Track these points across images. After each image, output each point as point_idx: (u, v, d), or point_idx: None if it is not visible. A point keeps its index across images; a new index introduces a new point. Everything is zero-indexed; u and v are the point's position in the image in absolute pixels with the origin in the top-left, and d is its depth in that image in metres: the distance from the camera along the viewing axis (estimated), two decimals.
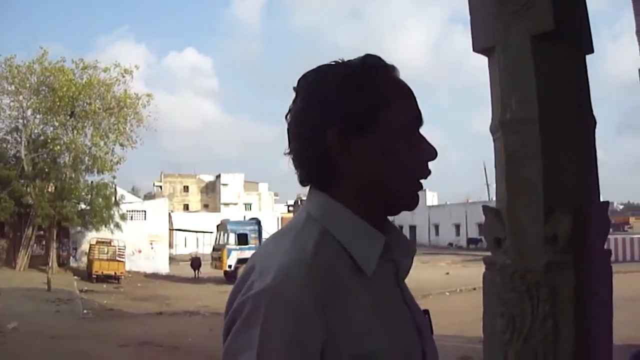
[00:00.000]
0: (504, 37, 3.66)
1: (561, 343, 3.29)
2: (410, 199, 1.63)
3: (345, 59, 1.66)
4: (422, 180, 1.64)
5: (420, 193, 1.66)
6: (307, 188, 1.66)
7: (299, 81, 1.67)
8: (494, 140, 3.82)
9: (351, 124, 1.56)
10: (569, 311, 3.29)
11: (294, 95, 1.64)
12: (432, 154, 1.63)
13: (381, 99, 1.58)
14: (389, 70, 1.65)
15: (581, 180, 3.52)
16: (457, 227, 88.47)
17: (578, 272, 3.31)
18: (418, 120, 1.65)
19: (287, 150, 1.66)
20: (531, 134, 3.53)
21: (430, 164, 1.64)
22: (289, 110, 1.66)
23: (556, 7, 3.47)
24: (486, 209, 3.82)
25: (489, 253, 3.71)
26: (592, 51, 3.77)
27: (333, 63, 1.65)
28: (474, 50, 3.88)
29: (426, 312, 1.76)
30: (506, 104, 3.64)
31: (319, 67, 1.65)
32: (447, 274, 38.52)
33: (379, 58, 1.66)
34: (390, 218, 1.69)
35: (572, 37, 3.60)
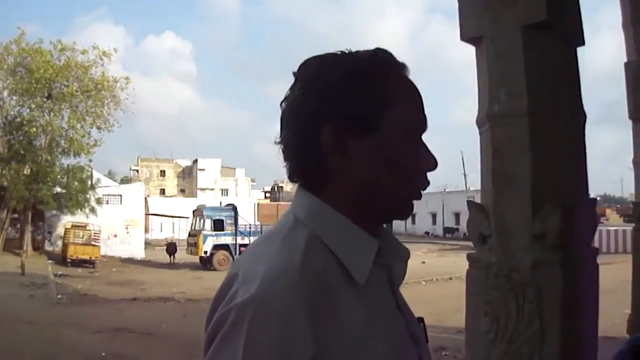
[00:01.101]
0: (493, 27, 3.56)
1: (547, 344, 3.21)
2: (404, 210, 1.52)
3: (353, 50, 1.53)
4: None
5: None
6: (286, 175, 1.55)
7: (299, 67, 1.53)
8: (480, 134, 3.73)
9: (351, 122, 1.43)
10: (555, 312, 3.21)
11: (292, 81, 1.52)
12: (432, 164, 1.52)
13: (387, 98, 1.45)
14: (399, 68, 1.53)
15: (570, 175, 3.44)
16: (434, 216, 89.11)
17: (566, 271, 3.23)
18: (422, 125, 1.53)
19: (278, 139, 1.53)
20: (520, 128, 3.43)
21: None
22: (285, 97, 1.52)
23: None
24: (470, 204, 3.72)
25: (465, 242, 3.63)
26: (583, 43, 3.68)
27: (339, 53, 1.52)
28: (461, 39, 3.78)
29: (421, 320, 1.66)
30: (494, 96, 3.55)
31: (324, 55, 1.52)
32: (424, 263, 38.63)
33: (390, 54, 1.53)
34: None
35: (564, 28, 3.51)
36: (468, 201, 3.77)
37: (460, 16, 3.77)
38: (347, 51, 1.53)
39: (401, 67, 1.54)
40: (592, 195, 3.84)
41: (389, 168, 1.45)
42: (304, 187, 1.51)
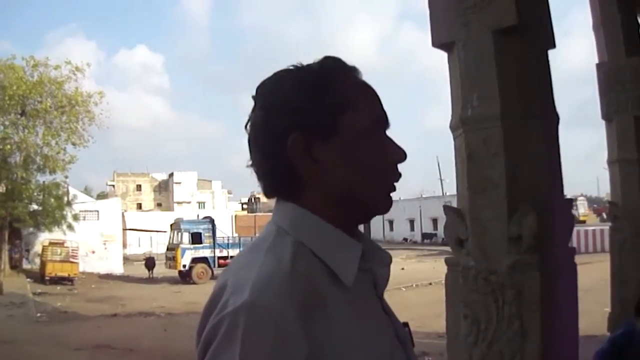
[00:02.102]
0: (464, 32, 3.60)
1: (528, 345, 3.23)
2: (382, 204, 1.54)
3: (303, 63, 1.57)
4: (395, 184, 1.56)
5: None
6: (262, 186, 1.56)
7: (257, 89, 1.57)
8: (454, 138, 3.76)
9: (312, 129, 1.46)
10: (535, 312, 3.24)
11: (251, 102, 1.54)
12: (401, 155, 1.55)
13: (342, 102, 1.49)
14: (350, 72, 1.57)
15: (545, 177, 3.47)
16: (412, 222, 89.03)
17: (544, 272, 3.26)
18: (383, 122, 1.56)
19: (249, 162, 1.55)
20: (493, 131, 3.47)
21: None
22: (248, 120, 1.55)
23: (518, 2, 3.41)
24: (447, 208, 3.75)
25: (444, 248, 3.66)
26: (554, 46, 3.72)
27: (291, 68, 1.56)
28: (433, 45, 3.81)
29: (406, 324, 1.68)
30: (467, 101, 3.58)
31: (276, 72, 1.56)
32: (403, 269, 38.59)
33: (339, 60, 1.57)
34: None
35: (534, 32, 3.55)
36: (444, 206, 3.79)
37: (431, 22, 3.80)
38: (298, 65, 1.57)
39: (352, 71, 1.58)
40: (568, 196, 3.88)
41: (357, 166, 1.48)
42: (283, 198, 1.53)
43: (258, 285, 1.30)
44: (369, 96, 1.56)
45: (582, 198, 79.11)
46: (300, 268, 1.35)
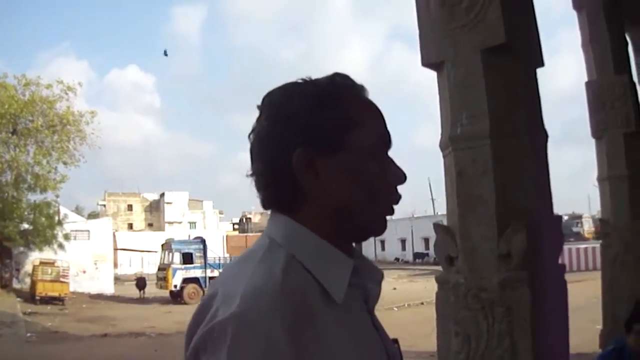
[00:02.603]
0: (453, 52, 3.62)
1: None
2: (378, 225, 1.55)
3: (312, 77, 1.58)
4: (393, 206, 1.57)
5: None
6: (253, 206, 1.58)
7: (263, 99, 1.57)
8: (443, 157, 3.78)
9: (318, 145, 1.47)
10: (525, 329, 3.24)
11: (257, 113, 1.55)
12: (401, 177, 1.56)
13: (349, 119, 1.50)
14: (358, 90, 1.58)
15: (534, 194, 3.49)
16: (403, 242, 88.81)
17: (533, 288, 3.27)
18: (386, 142, 1.57)
19: (250, 172, 1.56)
20: (482, 150, 3.49)
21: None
22: (252, 130, 1.56)
23: (507, 21, 3.44)
24: (437, 226, 3.77)
25: (435, 267, 3.67)
26: (542, 65, 3.75)
27: (300, 81, 1.57)
28: (422, 64, 3.84)
29: (395, 341, 1.68)
30: (456, 119, 3.60)
31: (285, 84, 1.57)
32: (394, 289, 38.55)
33: (348, 77, 1.59)
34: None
35: (523, 50, 3.58)
36: (434, 224, 3.81)
37: (420, 42, 3.82)
38: (307, 79, 1.58)
39: (359, 89, 1.59)
40: (559, 214, 3.89)
41: (358, 185, 1.49)
42: (279, 211, 1.54)
43: (247, 296, 1.31)
44: (375, 115, 1.57)
45: (587, 216, 78.96)
46: (291, 281, 1.35)
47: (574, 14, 8.28)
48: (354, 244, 1.60)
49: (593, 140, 7.94)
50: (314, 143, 1.48)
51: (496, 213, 3.40)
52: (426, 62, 3.82)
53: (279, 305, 1.29)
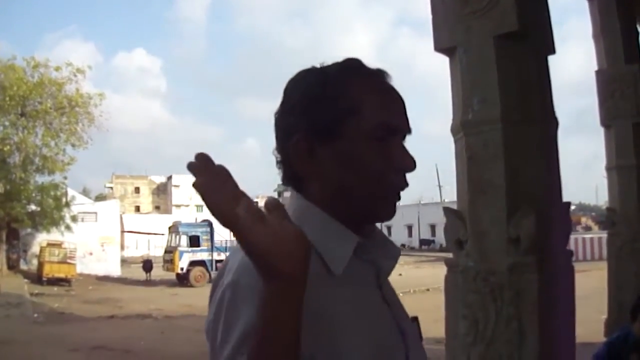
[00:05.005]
0: (466, 37, 3.64)
1: (526, 345, 3.27)
2: (381, 210, 1.57)
3: (326, 63, 1.62)
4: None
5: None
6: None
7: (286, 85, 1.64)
8: (455, 141, 3.80)
9: (316, 130, 1.52)
10: (533, 313, 3.28)
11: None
12: (408, 163, 1.56)
13: (347, 107, 1.52)
14: (365, 76, 1.59)
15: (544, 180, 3.51)
16: (410, 228, 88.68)
17: (542, 273, 3.30)
18: (392, 128, 1.56)
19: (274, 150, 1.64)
20: (493, 135, 3.51)
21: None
22: (275, 112, 1.63)
23: (519, 8, 3.45)
24: (447, 210, 3.79)
25: (442, 254, 3.69)
26: (554, 52, 3.77)
27: (311, 68, 1.61)
28: (435, 50, 3.86)
29: (415, 319, 1.71)
30: (468, 105, 3.62)
31: (299, 71, 1.62)
32: (400, 275, 38.38)
33: (358, 62, 1.61)
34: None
35: (535, 37, 3.60)
36: (444, 207, 3.83)
37: (433, 28, 3.84)
38: (319, 65, 1.62)
39: (369, 74, 1.60)
40: (568, 201, 3.91)
41: (354, 170, 1.52)
42: (293, 188, 1.59)
43: (241, 265, 1.39)
44: (380, 101, 1.57)
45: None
46: None
47: (583, 4, 8.29)
48: (367, 226, 1.63)
49: (601, 131, 7.96)
50: (312, 129, 1.52)
51: (506, 198, 3.43)
52: (438, 47, 3.84)
53: None
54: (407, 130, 1.60)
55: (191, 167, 1.16)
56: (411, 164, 1.56)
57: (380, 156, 1.52)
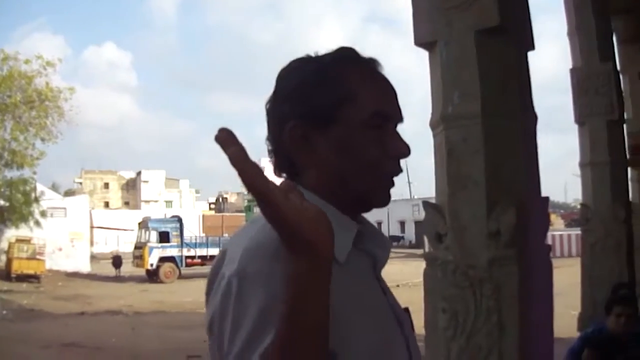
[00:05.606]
0: (447, 32, 3.65)
1: (506, 338, 3.29)
2: (376, 196, 1.58)
3: (320, 53, 1.63)
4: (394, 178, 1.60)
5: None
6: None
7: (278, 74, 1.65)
8: (434, 136, 3.81)
9: (311, 119, 1.52)
10: (513, 306, 3.30)
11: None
12: (403, 150, 1.57)
13: (343, 94, 1.53)
14: (360, 64, 1.61)
15: (523, 175, 3.54)
16: (379, 224, 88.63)
17: (522, 267, 3.32)
18: (387, 115, 1.58)
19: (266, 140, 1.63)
20: (474, 129, 3.53)
21: None
22: (267, 101, 1.63)
23: (500, 3, 3.47)
24: (426, 204, 3.80)
25: (411, 250, 3.71)
26: (533, 48, 3.81)
27: (305, 57, 1.62)
28: (415, 44, 3.86)
29: (406, 309, 1.71)
30: (448, 99, 3.63)
31: (293, 60, 1.63)
32: None
33: (352, 51, 1.63)
34: None
35: (515, 33, 3.62)
36: (423, 202, 3.85)
37: (414, 22, 3.84)
38: (313, 54, 1.63)
39: (364, 62, 1.62)
40: (546, 195, 3.94)
41: (350, 157, 1.52)
42: (288, 177, 1.58)
43: (248, 252, 1.37)
44: (375, 89, 1.58)
45: None
46: None
47: (558, 2, 8.36)
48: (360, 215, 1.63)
49: (571, 129, 8.05)
50: (308, 117, 1.52)
51: (486, 191, 3.44)
52: (419, 42, 3.84)
53: (277, 257, 1.28)
54: (400, 118, 1.61)
55: (219, 139, 1.12)
56: (406, 150, 1.58)
57: (375, 143, 1.53)
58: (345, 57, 1.60)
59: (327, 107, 1.52)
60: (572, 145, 7.90)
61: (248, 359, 1.28)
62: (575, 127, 8.01)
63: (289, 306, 1.19)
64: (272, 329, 1.24)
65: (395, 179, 1.60)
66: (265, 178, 1.13)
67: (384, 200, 1.59)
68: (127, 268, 43.88)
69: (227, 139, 1.12)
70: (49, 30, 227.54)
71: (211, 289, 1.45)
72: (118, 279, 42.92)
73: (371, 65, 1.62)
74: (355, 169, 1.53)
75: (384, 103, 1.58)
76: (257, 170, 1.11)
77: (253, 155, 1.13)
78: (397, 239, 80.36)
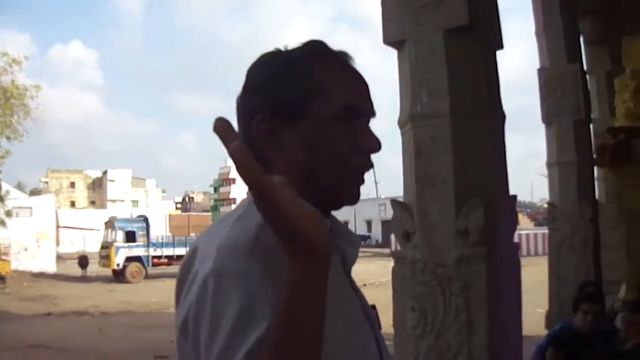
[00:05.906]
0: (416, 30, 3.65)
1: (475, 336, 3.30)
2: (345, 193, 1.56)
3: (290, 46, 1.61)
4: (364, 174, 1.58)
5: None
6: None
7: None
8: (402, 134, 3.81)
9: (279, 113, 1.50)
10: (482, 304, 3.31)
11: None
12: (374, 145, 1.55)
13: (312, 88, 1.51)
14: (330, 57, 1.58)
15: (491, 173, 3.55)
16: (346, 224, 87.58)
17: (490, 265, 3.33)
18: (357, 109, 1.55)
19: None
20: (442, 127, 3.54)
21: None
22: (238, 96, 1.60)
23: (470, 2, 3.48)
24: (394, 202, 3.80)
25: (378, 249, 3.71)
26: (502, 47, 3.82)
27: (274, 51, 1.60)
28: (384, 42, 3.86)
29: (373, 307, 1.70)
30: (417, 97, 3.63)
31: (261, 55, 1.60)
32: None
33: (322, 44, 1.60)
34: None
35: (484, 32, 3.63)
36: (392, 200, 3.84)
37: (383, 20, 3.84)
38: (282, 48, 1.60)
39: (334, 55, 1.60)
40: (514, 194, 3.96)
41: (318, 152, 1.50)
42: None
43: (223, 250, 1.33)
44: (345, 82, 1.56)
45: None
46: (266, 237, 1.31)
47: (526, 2, 8.42)
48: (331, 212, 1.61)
49: (535, 129, 8.12)
50: (275, 112, 1.50)
51: (454, 190, 3.45)
52: (388, 40, 3.84)
53: (254, 255, 1.30)
54: (372, 112, 1.59)
55: (218, 130, 1.10)
56: (377, 145, 1.55)
57: (345, 137, 1.51)
58: (315, 50, 1.58)
59: (297, 101, 1.50)
60: (538, 145, 7.96)
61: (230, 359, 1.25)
62: (541, 126, 8.09)
63: (286, 306, 1.17)
64: (254, 328, 1.23)
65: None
66: (266, 175, 1.11)
67: (353, 196, 1.56)
68: (93, 268, 43.52)
69: (226, 132, 1.10)
70: (14, 28, 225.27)
71: (182, 288, 1.41)
72: (84, 279, 42.54)
73: (342, 58, 1.60)
74: (325, 163, 1.50)
75: (355, 96, 1.56)
76: (258, 166, 1.09)
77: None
78: (364, 238, 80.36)
